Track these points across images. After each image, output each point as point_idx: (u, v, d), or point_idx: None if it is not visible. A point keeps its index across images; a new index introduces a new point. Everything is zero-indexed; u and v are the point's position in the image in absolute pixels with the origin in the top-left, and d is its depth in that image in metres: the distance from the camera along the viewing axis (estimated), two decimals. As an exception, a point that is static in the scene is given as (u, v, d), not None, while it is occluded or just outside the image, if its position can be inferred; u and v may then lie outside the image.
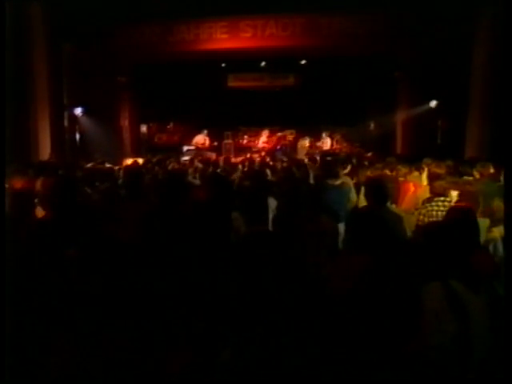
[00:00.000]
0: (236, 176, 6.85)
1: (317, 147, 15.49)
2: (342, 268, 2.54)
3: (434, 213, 4.30)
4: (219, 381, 1.82)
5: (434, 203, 4.37)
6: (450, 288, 2.08)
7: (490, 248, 3.24)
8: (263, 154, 14.38)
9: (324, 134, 15.91)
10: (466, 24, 10.65)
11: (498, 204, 3.58)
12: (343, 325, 1.99)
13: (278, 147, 16.27)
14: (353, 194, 5.51)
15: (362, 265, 2.39)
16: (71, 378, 1.82)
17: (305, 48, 12.80)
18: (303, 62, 15.32)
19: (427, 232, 2.48)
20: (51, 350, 1.88)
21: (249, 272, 2.04)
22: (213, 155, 13.72)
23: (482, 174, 5.79)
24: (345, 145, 16.25)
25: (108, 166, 8.60)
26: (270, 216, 4.13)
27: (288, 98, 16.56)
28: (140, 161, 10.11)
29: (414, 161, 7.52)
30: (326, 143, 15.65)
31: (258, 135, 17.12)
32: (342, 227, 3.95)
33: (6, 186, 3.89)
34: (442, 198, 4.38)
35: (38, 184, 4.69)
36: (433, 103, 12.66)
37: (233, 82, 16.88)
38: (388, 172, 6.51)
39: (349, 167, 7.28)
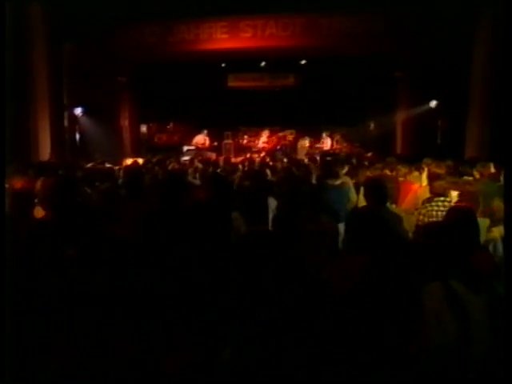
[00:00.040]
0: (236, 176, 6.84)
1: (317, 147, 15.50)
2: (342, 268, 2.54)
3: (434, 213, 4.29)
4: (219, 381, 1.82)
5: (433, 203, 4.37)
6: (450, 288, 2.08)
7: (490, 248, 3.24)
8: (263, 154, 14.37)
9: (324, 134, 15.92)
10: (466, 24, 10.65)
11: (498, 204, 3.58)
12: (343, 325, 1.99)
13: (278, 147, 16.27)
14: (353, 194, 5.51)
15: (361, 265, 2.39)
16: (71, 378, 1.82)
17: (305, 48, 12.80)
18: (303, 62, 15.32)
19: (427, 232, 2.48)
20: (51, 349, 1.88)
21: (249, 272, 2.04)
22: (213, 155, 13.72)
23: (482, 174, 5.79)
24: (345, 145, 16.24)
25: (108, 165, 8.60)
26: (270, 216, 4.13)
27: (288, 97, 16.56)
28: (140, 161, 10.11)
29: (414, 161, 7.51)
30: (326, 143, 15.66)
31: (258, 135, 17.12)
32: (341, 227, 3.95)
33: (6, 186, 3.89)
34: (442, 198, 4.38)
35: (38, 184, 4.69)
36: (433, 103, 12.66)
37: (233, 82, 16.88)
38: (388, 172, 6.51)
39: (346, 168, 7.27)
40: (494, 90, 9.60)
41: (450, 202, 4.35)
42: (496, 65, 9.36)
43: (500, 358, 1.98)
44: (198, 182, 6.45)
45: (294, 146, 16.14)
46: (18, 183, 4.49)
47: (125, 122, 14.76)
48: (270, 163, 9.40)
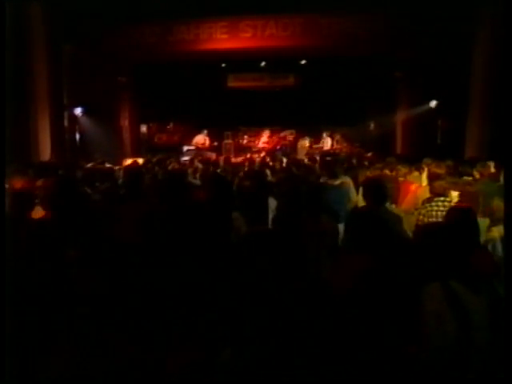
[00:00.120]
0: (239, 176, 6.85)
1: (317, 147, 15.50)
2: (342, 268, 2.54)
3: (434, 213, 4.30)
4: (219, 381, 1.82)
5: (433, 203, 4.37)
6: (450, 288, 2.08)
7: (489, 248, 3.25)
8: (263, 154, 14.38)
9: (324, 134, 15.92)
10: (466, 24, 10.65)
11: (498, 203, 3.58)
12: (343, 325, 1.99)
13: (278, 147, 16.27)
14: (353, 194, 5.52)
15: (361, 265, 2.39)
16: (71, 378, 1.82)
17: (305, 48, 12.79)
18: (303, 62, 15.32)
19: (427, 232, 2.48)
20: (51, 350, 1.89)
21: (249, 272, 2.04)
22: (213, 155, 13.73)
23: (482, 174, 5.79)
24: (345, 145, 16.24)
25: (108, 165, 8.60)
26: (270, 216, 4.13)
27: (288, 97, 16.57)
28: (140, 161, 10.11)
29: (414, 161, 7.52)
30: (327, 143, 15.66)
31: (258, 135, 17.13)
32: (341, 227, 3.95)
33: (6, 186, 3.89)
34: (442, 198, 4.38)
35: (39, 184, 4.69)
36: (433, 103, 12.67)
37: (233, 82, 16.88)
38: (388, 172, 6.52)
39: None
40: (494, 90, 9.60)
41: (450, 202, 4.35)
42: (496, 65, 9.35)
43: (500, 358, 1.98)
44: (197, 182, 6.46)
45: (294, 146, 16.14)
46: (17, 183, 4.50)
47: (125, 122, 14.76)
48: (270, 163, 9.41)
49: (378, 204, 3.77)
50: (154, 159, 9.96)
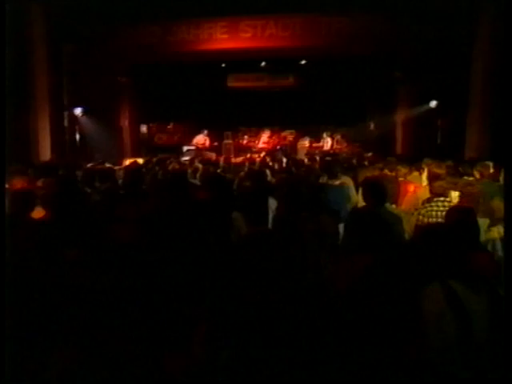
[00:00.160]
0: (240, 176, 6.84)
1: (317, 147, 15.50)
2: (342, 268, 2.54)
3: (434, 213, 4.29)
4: (219, 381, 1.82)
5: (433, 203, 4.37)
6: (450, 288, 2.08)
7: (489, 247, 3.25)
8: (263, 154, 14.39)
9: (324, 134, 15.93)
10: (466, 24, 10.65)
11: (498, 203, 3.58)
12: (344, 324, 2.00)
13: (278, 147, 16.28)
14: (353, 194, 5.51)
15: (362, 264, 2.39)
16: (71, 377, 1.82)
17: (305, 48, 12.79)
18: (303, 62, 15.32)
19: (427, 233, 2.48)
20: (51, 349, 1.89)
21: (250, 272, 2.04)
22: (213, 155, 13.74)
23: (482, 174, 5.78)
24: (345, 145, 16.25)
25: (108, 165, 8.60)
26: (270, 216, 4.13)
27: (288, 98, 16.57)
28: (140, 161, 10.11)
29: (414, 161, 7.52)
30: (327, 143, 15.66)
31: (258, 135, 17.14)
32: (342, 227, 3.95)
33: (6, 186, 3.89)
34: (442, 199, 4.38)
35: (39, 184, 4.69)
36: (433, 103, 12.66)
37: (233, 83, 16.88)
38: (388, 172, 6.51)
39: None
40: (494, 91, 9.61)
41: (449, 202, 4.35)
42: (496, 65, 9.35)
43: (500, 358, 1.98)
44: (197, 182, 6.45)
45: (294, 146, 16.15)
46: (18, 183, 4.49)
47: (125, 122, 14.75)
48: (270, 163, 9.41)
49: (377, 204, 3.77)
50: (154, 159, 9.96)
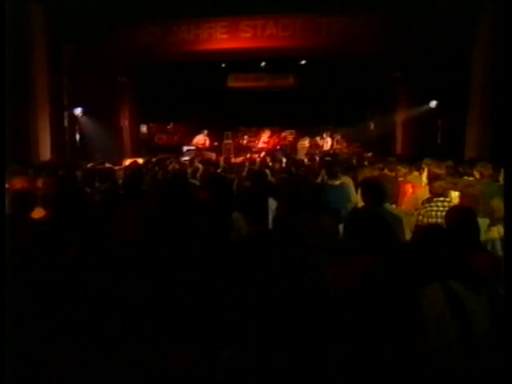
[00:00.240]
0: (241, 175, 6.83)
1: (317, 147, 15.50)
2: (342, 268, 2.54)
3: (434, 213, 4.29)
4: (219, 381, 1.82)
5: (433, 204, 4.37)
6: (450, 289, 2.08)
7: (488, 247, 3.25)
8: (263, 154, 14.39)
9: (324, 134, 15.94)
10: (466, 24, 10.66)
11: (498, 203, 3.58)
12: (344, 324, 2.00)
13: (278, 147, 16.28)
14: (353, 194, 5.51)
15: (361, 265, 2.39)
16: (71, 378, 1.82)
17: (305, 48, 12.80)
18: (303, 62, 15.32)
19: (427, 233, 2.48)
20: (51, 349, 1.89)
21: (250, 272, 2.04)
22: (213, 155, 13.74)
23: (481, 174, 5.78)
24: (345, 145, 16.26)
25: (108, 165, 8.60)
26: (270, 216, 4.13)
27: (288, 98, 16.56)
28: (140, 161, 10.11)
29: (413, 161, 7.52)
30: (326, 143, 15.67)
31: (258, 135, 17.15)
32: (342, 227, 3.95)
33: (6, 186, 3.89)
34: (442, 199, 4.38)
35: (39, 184, 4.69)
36: (433, 103, 12.65)
37: (233, 83, 16.88)
38: (388, 172, 6.51)
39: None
40: (494, 90, 9.61)
41: (449, 202, 4.35)
42: (496, 65, 9.36)
43: (500, 358, 1.98)
44: (197, 182, 6.44)
45: (294, 146, 16.15)
46: (17, 183, 4.50)
47: (125, 123, 14.75)
48: (270, 163, 9.41)
49: (376, 204, 3.77)
50: (154, 159, 9.96)
